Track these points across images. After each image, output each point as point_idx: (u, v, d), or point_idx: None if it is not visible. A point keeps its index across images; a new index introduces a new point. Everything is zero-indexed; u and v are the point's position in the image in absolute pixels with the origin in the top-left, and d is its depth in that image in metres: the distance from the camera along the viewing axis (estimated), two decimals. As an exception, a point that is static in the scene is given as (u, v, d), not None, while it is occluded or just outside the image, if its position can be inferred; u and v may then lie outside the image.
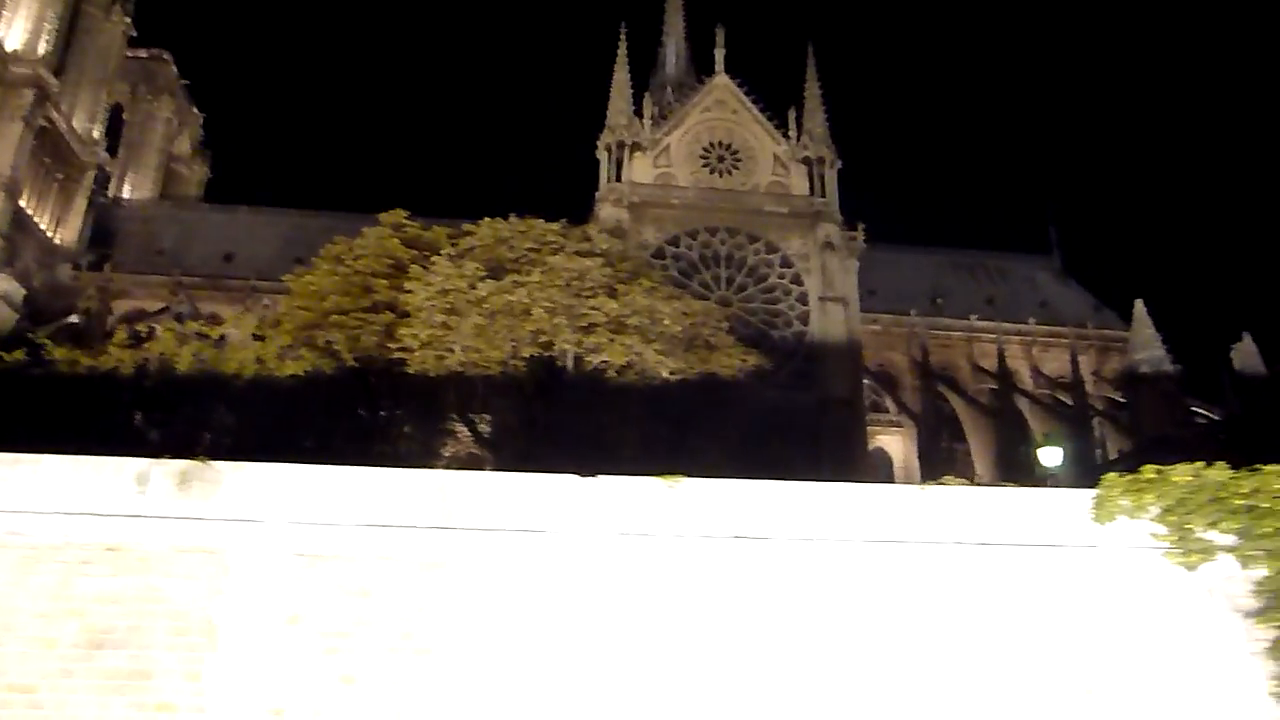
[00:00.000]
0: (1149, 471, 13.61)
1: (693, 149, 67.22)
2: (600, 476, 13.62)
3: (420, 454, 31.69)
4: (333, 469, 13.25)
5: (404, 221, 33.51)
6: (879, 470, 65.13)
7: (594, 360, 28.96)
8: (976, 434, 67.46)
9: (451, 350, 28.84)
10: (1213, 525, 13.23)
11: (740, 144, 68.06)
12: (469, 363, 28.67)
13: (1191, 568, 13.15)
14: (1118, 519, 13.36)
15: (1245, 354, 54.32)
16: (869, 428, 69.56)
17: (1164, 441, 46.77)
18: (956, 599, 13.07)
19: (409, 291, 29.53)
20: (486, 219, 33.10)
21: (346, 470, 13.20)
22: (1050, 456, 20.48)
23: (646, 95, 67.91)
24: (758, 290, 62.98)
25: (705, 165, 66.66)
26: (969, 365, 76.52)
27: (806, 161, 67.08)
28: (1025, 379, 77.80)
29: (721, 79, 70.05)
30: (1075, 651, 12.95)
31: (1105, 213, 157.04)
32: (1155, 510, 13.35)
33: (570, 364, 30.05)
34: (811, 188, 66.37)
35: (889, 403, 71.92)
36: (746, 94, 69.20)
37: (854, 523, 13.21)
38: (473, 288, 29.09)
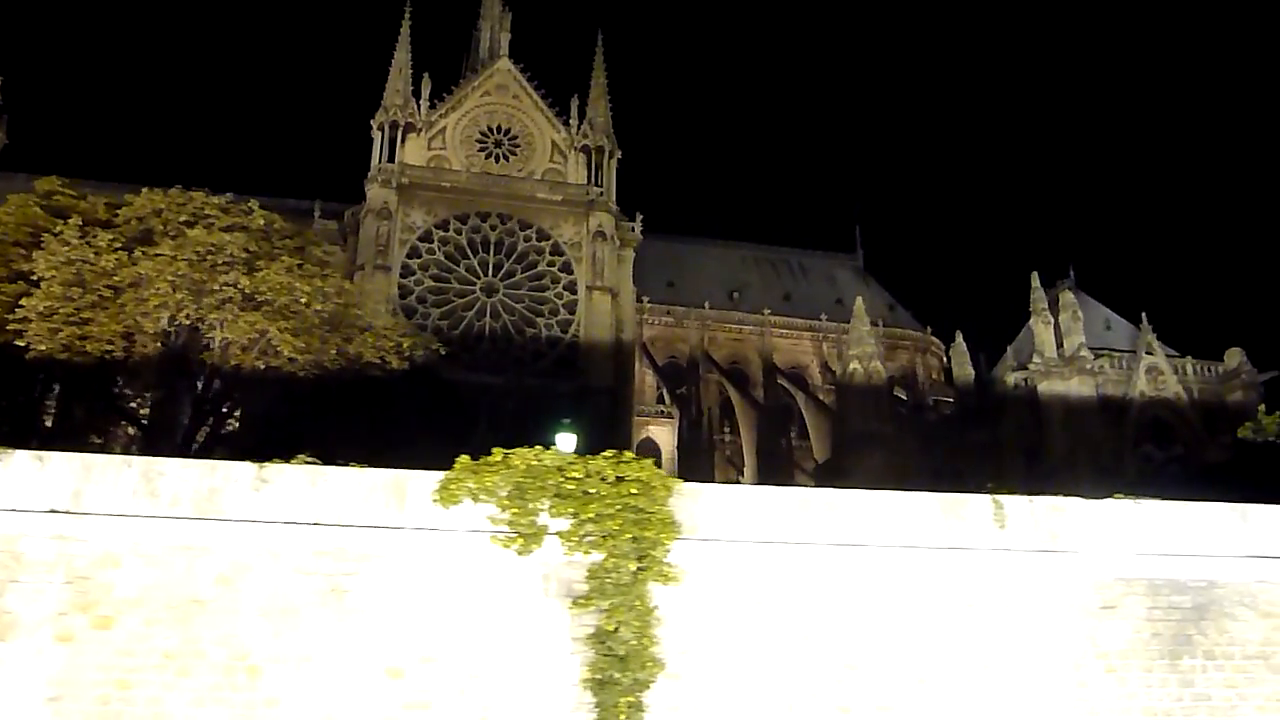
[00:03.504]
0: (498, 454, 13.63)
1: (469, 133, 66.27)
2: None
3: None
4: None
5: (57, 189, 31.91)
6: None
7: (218, 338, 28.04)
8: (747, 426, 68.38)
9: (79, 324, 27.57)
10: (550, 510, 13.29)
11: (520, 130, 67.40)
12: (90, 336, 27.48)
13: (524, 552, 13.20)
14: (463, 502, 13.33)
15: (958, 353, 56.40)
16: (644, 418, 69.93)
17: (867, 436, 48.21)
18: (285, 581, 12.87)
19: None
20: (145, 189, 31.89)
21: None
22: (566, 443, 20.36)
23: (425, 76, 66.56)
24: (526, 278, 62.36)
25: (482, 150, 65.73)
26: (759, 359, 77.61)
27: (586, 150, 66.82)
28: (814, 373, 79.42)
29: (504, 63, 69.29)
30: (392, 637, 12.85)
31: (910, 213, 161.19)
32: (503, 494, 13.36)
33: (216, 345, 29.06)
34: (590, 177, 66.14)
35: (666, 394, 72.36)
36: (530, 80, 68.55)
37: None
38: (99, 257, 27.90)
